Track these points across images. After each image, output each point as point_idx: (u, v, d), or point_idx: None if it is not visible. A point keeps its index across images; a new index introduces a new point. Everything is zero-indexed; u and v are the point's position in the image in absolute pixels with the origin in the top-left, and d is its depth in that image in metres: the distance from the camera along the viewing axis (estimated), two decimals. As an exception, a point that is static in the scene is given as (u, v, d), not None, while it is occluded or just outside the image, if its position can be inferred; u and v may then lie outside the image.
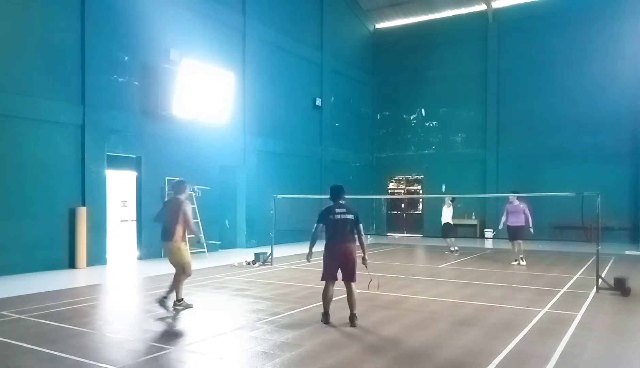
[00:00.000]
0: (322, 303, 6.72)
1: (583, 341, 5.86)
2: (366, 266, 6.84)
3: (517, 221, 12.75)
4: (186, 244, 7.55)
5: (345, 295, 6.66)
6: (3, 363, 5.09)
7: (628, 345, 5.87)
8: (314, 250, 6.88)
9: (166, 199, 8.45)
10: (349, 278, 6.62)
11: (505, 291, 9.16)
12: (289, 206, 15.93)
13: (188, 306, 7.43)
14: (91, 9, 12.18)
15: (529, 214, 12.73)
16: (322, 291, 6.74)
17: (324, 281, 6.73)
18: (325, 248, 6.74)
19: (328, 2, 21.06)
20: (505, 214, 13.11)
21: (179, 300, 7.37)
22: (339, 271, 6.67)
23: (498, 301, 8.21)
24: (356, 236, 6.75)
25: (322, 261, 6.79)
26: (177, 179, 8.04)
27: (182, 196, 7.48)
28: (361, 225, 6.77)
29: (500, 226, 13.38)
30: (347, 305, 6.64)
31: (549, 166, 19.78)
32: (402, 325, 6.64)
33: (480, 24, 21.79)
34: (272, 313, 7.24)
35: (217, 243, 15.52)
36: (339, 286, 6.80)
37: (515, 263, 12.69)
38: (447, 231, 15.37)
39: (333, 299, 6.80)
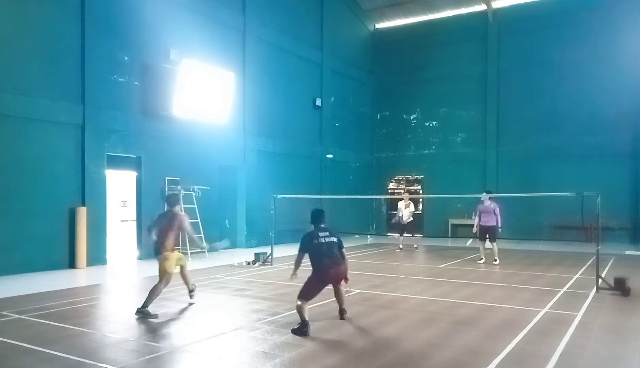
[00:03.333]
0: (299, 315, 6.27)
1: (583, 341, 5.86)
2: (346, 283, 6.93)
3: (489, 221, 12.82)
4: (174, 254, 7.48)
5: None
6: (3, 363, 5.09)
7: (628, 345, 5.87)
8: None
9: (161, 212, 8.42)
10: (339, 283, 6.83)
11: (505, 291, 9.16)
12: (289, 206, 15.91)
13: (151, 316, 6.99)
14: (91, 9, 12.18)
15: (498, 215, 12.86)
16: (297, 306, 6.34)
17: (300, 298, 6.38)
18: (314, 273, 6.56)
19: (328, 2, 21.05)
20: (477, 215, 13.13)
21: (143, 306, 7.08)
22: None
23: (498, 301, 8.21)
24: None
25: (308, 276, 6.60)
26: (169, 192, 8.16)
27: (177, 208, 7.62)
28: (344, 250, 6.86)
29: (475, 230, 13.32)
30: (340, 303, 6.89)
31: (549, 166, 19.76)
32: (402, 325, 6.64)
33: (480, 24, 21.77)
34: (272, 313, 7.24)
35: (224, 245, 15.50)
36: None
37: (481, 261, 12.86)
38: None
39: (332, 299, 6.90)
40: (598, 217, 9.09)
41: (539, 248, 16.77)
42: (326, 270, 6.52)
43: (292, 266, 6.98)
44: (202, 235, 13.91)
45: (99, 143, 12.46)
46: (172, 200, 7.75)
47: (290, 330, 6.21)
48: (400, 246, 16.40)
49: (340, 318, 6.83)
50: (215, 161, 15.79)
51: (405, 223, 16.52)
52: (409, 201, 16.78)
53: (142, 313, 7.00)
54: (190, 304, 7.82)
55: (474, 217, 13.35)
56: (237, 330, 6.43)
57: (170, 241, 7.33)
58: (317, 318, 6.82)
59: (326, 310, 7.26)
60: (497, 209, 12.91)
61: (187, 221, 7.56)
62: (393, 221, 13.65)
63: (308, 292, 6.50)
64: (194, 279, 8.37)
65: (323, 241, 6.65)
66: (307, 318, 6.22)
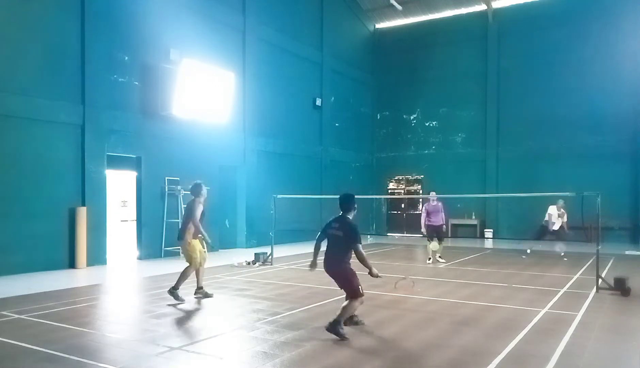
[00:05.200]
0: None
1: (583, 341, 5.86)
2: (377, 276, 6.28)
3: (438, 220, 12.97)
4: (199, 241, 8.31)
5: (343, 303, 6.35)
6: (3, 363, 5.09)
7: (628, 345, 5.86)
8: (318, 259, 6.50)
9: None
10: (349, 297, 6.20)
11: (505, 291, 9.16)
12: (289, 206, 15.92)
13: (207, 295, 8.21)
14: (91, 9, 12.18)
15: (444, 214, 13.16)
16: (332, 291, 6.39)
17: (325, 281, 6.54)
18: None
19: (328, 2, 21.05)
20: (425, 214, 13.10)
21: (199, 288, 8.27)
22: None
23: (498, 301, 8.21)
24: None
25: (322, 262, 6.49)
26: (194, 182, 8.75)
27: (200, 198, 8.33)
28: (358, 245, 6.05)
29: (423, 229, 13.20)
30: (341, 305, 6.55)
31: (549, 166, 19.76)
32: (402, 325, 6.64)
33: (480, 24, 21.77)
34: (272, 313, 7.24)
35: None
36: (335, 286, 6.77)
37: (430, 261, 12.96)
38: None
39: (332, 299, 6.81)
40: (598, 217, 9.09)
41: (539, 248, 16.75)
42: (325, 262, 6.24)
43: (293, 267, 6.95)
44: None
45: (99, 143, 12.46)
46: (193, 189, 8.44)
47: (289, 331, 6.20)
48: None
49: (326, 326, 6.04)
50: (215, 161, 15.78)
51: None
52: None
53: (172, 294, 7.85)
54: (180, 303, 7.84)
55: (421, 218, 13.26)
56: (237, 330, 6.43)
57: (190, 229, 8.06)
58: (317, 318, 6.82)
59: (326, 310, 7.25)
60: (443, 209, 13.18)
61: (195, 208, 8.12)
62: (423, 230, 13.15)
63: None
64: (194, 278, 8.37)
65: (332, 232, 6.25)
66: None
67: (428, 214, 12.99)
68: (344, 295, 6.66)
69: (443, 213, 13.10)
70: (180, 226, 8.42)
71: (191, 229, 8.10)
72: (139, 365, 5.09)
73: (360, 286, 6.15)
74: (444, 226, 13.12)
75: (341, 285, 6.29)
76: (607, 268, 11.44)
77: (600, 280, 8.94)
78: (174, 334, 6.27)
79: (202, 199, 8.39)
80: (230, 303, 8.10)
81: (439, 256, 13.11)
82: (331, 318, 5.98)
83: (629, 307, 7.76)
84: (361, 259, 6.09)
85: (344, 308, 6.06)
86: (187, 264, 8.20)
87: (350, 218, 6.39)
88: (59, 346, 5.59)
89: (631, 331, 6.44)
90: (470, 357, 5.27)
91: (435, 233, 12.97)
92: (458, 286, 9.71)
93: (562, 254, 15.26)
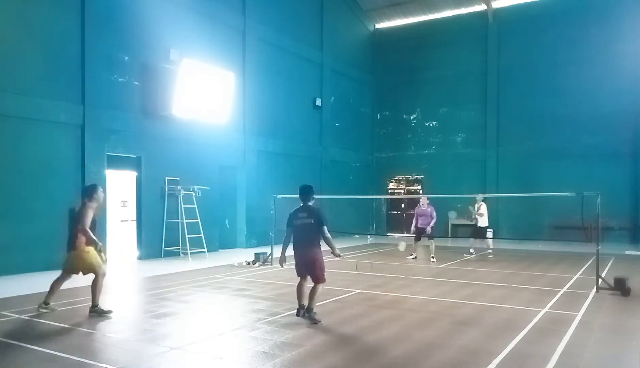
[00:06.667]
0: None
1: (583, 341, 5.86)
2: (339, 256, 7.02)
3: (426, 223, 13.78)
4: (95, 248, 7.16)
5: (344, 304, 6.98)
6: (3, 363, 5.08)
7: (628, 345, 5.87)
8: (286, 253, 7.00)
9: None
10: (314, 280, 6.78)
11: (505, 291, 9.16)
12: (289, 206, 15.70)
13: (104, 312, 6.99)
14: (91, 9, 12.18)
15: (434, 218, 13.82)
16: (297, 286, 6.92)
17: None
18: (293, 251, 6.89)
19: (328, 2, 21.05)
20: (415, 218, 14.09)
21: (93, 306, 7.03)
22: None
23: (498, 301, 8.21)
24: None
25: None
26: (90, 183, 7.86)
27: (92, 203, 7.25)
28: (325, 227, 6.69)
29: (413, 230, 14.15)
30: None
31: (549, 166, 19.77)
32: (402, 325, 6.64)
33: (480, 24, 21.78)
34: (272, 313, 7.24)
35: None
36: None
37: (411, 257, 13.81)
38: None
39: (332, 299, 6.83)
40: (598, 217, 9.09)
41: (539, 248, 16.76)
42: (297, 250, 6.77)
43: (293, 267, 6.97)
44: (202, 235, 13.97)
45: (99, 143, 12.46)
46: (86, 192, 7.46)
47: (289, 331, 6.21)
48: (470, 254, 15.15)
49: (296, 315, 6.80)
50: (215, 161, 15.78)
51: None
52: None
53: (95, 312, 6.97)
54: (108, 314, 7.02)
55: (413, 221, 14.20)
56: (237, 330, 6.43)
57: (81, 237, 7.02)
58: (318, 318, 6.80)
59: (326, 310, 7.25)
60: (434, 212, 13.86)
61: (85, 214, 7.11)
62: (412, 231, 14.37)
63: (296, 270, 6.89)
64: (194, 278, 8.35)
65: (299, 222, 6.72)
66: (299, 301, 6.72)
67: (417, 217, 14.02)
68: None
69: (434, 218, 13.76)
70: (68, 236, 7.18)
71: (82, 237, 6.99)
72: (139, 365, 5.09)
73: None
74: (429, 228, 13.73)
75: (312, 271, 6.75)
76: (607, 268, 11.44)
77: (600, 280, 8.95)
78: (174, 334, 6.27)
79: (94, 204, 7.27)
80: (230, 303, 8.10)
81: (432, 256, 13.61)
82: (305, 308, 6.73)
83: (629, 307, 7.76)
84: (327, 239, 6.73)
85: (313, 295, 6.70)
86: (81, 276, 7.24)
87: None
88: (59, 346, 5.59)
89: (631, 331, 6.44)
90: (470, 357, 5.27)
91: (422, 233, 13.90)
92: (458, 286, 9.71)
93: (490, 251, 15.40)
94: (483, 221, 15.22)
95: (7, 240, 10.68)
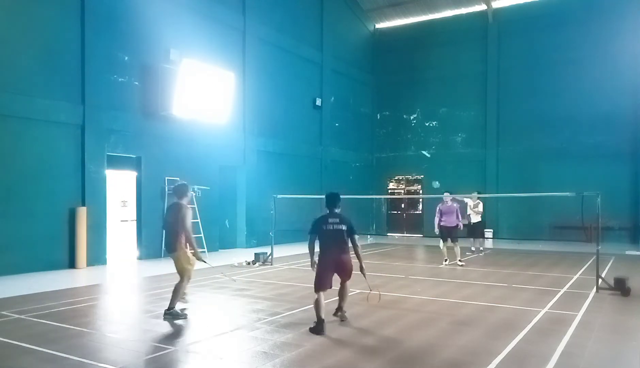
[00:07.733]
0: (315, 312, 6.25)
1: (583, 341, 5.86)
2: (364, 276, 6.96)
3: (451, 221, 12.74)
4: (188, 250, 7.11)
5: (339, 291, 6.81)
6: (3, 363, 5.09)
7: (628, 345, 5.87)
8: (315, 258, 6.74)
9: (168, 204, 7.63)
10: (346, 278, 6.72)
11: (505, 291, 9.16)
12: (289, 206, 15.93)
13: (179, 316, 6.87)
14: (91, 9, 12.18)
15: (460, 215, 12.91)
16: (314, 302, 6.36)
17: (315, 291, 6.40)
18: (318, 259, 6.58)
19: (328, 2, 21.05)
20: (438, 215, 12.95)
21: (169, 308, 6.89)
22: (334, 276, 6.62)
23: (498, 301, 8.21)
24: (352, 247, 6.70)
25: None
26: (179, 182, 7.68)
27: (184, 201, 7.13)
28: (356, 236, 6.78)
29: (436, 230, 13.05)
30: (340, 300, 6.80)
31: (549, 166, 19.76)
32: (402, 325, 6.64)
33: (480, 24, 21.78)
34: (272, 313, 7.24)
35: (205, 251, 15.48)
36: (339, 285, 6.79)
37: (446, 262, 12.67)
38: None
39: (332, 300, 6.82)
40: (598, 217, 9.09)
41: (539, 248, 16.76)
42: (329, 257, 6.53)
43: (293, 267, 6.96)
44: (202, 235, 13.95)
45: (99, 143, 12.46)
46: (178, 191, 7.19)
47: (289, 331, 6.20)
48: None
49: (333, 314, 6.76)
50: (215, 161, 15.78)
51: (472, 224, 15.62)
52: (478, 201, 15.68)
53: (171, 315, 6.84)
54: (183, 318, 6.92)
55: (435, 218, 13.10)
56: (237, 330, 6.43)
57: (181, 239, 6.91)
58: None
59: (326, 310, 7.23)
60: (459, 209, 12.97)
61: (186, 215, 6.92)
62: (436, 230, 13.21)
63: (318, 282, 6.44)
64: (193, 278, 8.35)
65: (331, 228, 6.57)
66: (322, 316, 6.21)
67: (442, 214, 12.88)
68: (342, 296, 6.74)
69: (459, 213, 12.86)
70: (167, 236, 7.11)
71: (182, 239, 6.93)
72: (139, 365, 5.10)
73: None
74: (460, 226, 12.93)
75: (344, 270, 6.62)
76: (607, 268, 11.44)
77: (600, 280, 8.94)
78: (174, 334, 6.27)
79: (189, 204, 7.22)
80: (230, 303, 8.10)
81: (459, 260, 12.66)
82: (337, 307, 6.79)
83: (629, 307, 7.76)
84: (358, 247, 6.85)
85: (346, 294, 6.78)
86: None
87: None
88: (59, 346, 5.59)
89: (631, 331, 6.44)
90: (470, 357, 5.27)
91: (448, 233, 12.80)
92: (458, 286, 9.71)
93: (482, 249, 15.29)
94: (477, 219, 15.19)
95: (7, 240, 10.68)
